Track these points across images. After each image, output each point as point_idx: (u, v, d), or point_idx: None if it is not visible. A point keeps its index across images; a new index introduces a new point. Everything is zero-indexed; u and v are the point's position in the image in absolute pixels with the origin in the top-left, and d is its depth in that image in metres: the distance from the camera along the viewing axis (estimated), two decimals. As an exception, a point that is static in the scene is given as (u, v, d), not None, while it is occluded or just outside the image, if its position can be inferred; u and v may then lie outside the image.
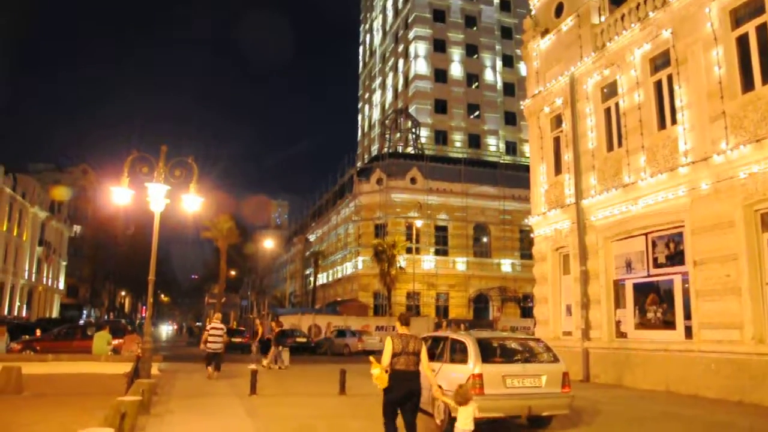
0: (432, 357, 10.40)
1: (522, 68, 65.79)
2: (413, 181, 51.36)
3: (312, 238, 70.46)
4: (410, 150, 60.29)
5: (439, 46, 70.53)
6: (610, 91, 18.48)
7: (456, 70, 70.47)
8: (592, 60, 18.68)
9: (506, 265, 53.09)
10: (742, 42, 14.00)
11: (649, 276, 16.49)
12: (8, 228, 54.70)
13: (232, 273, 74.97)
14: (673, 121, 15.68)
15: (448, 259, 51.98)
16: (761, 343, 12.72)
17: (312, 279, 62.04)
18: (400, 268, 45.24)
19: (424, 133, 65.88)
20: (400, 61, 74.48)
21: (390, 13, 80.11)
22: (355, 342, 34.57)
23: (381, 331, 37.86)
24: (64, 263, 76.49)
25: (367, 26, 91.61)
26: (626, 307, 17.21)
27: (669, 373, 14.78)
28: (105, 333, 18.86)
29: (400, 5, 76.04)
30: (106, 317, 76.04)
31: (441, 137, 68.73)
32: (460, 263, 52.22)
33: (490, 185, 52.82)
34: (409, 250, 46.77)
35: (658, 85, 16.49)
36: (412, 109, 66.66)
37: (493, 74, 71.70)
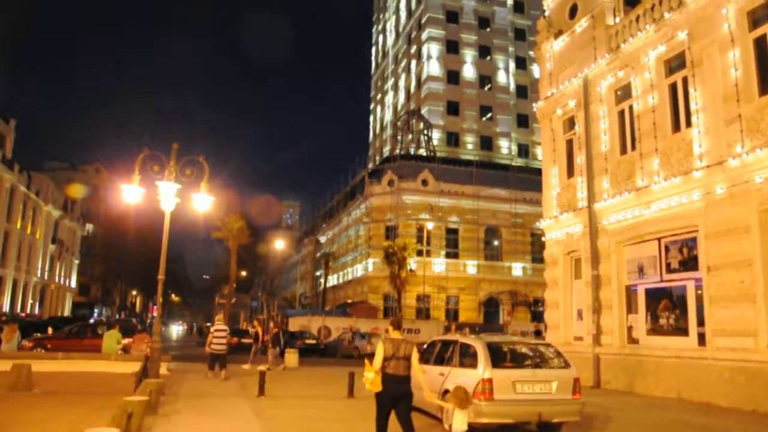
0: (441, 361, 10.32)
1: (535, 70, 65.55)
2: (425, 183, 51.23)
3: (323, 239, 70.49)
4: (422, 152, 60.20)
5: (452, 47, 70.40)
6: (624, 93, 18.30)
7: (469, 72, 70.31)
8: (606, 62, 18.51)
9: (517, 268, 52.83)
10: (760, 44, 13.79)
11: (661, 281, 16.29)
12: (22, 226, 55.17)
13: (243, 273, 75.20)
14: (688, 124, 15.49)
15: (458, 262, 51.79)
16: (776, 351, 12.53)
17: (322, 280, 62.05)
18: (411, 270, 45.11)
19: (436, 134, 65.76)
20: (413, 63, 74.41)
21: (403, 14, 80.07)
22: (364, 344, 34.45)
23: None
24: (77, 262, 77.01)
25: (380, 27, 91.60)
26: (638, 313, 17.01)
27: (681, 380, 14.58)
28: (115, 332, 18.92)
29: (413, 6, 75.99)
30: (117, 316, 76.49)
31: (453, 139, 68.58)
32: (471, 266, 52.03)
33: (502, 188, 52.59)
34: (419, 253, 46.62)
35: (673, 87, 16.30)
36: (424, 111, 66.55)
37: (505, 76, 71.50)
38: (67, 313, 68.71)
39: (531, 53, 63.49)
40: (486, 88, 70.77)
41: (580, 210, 19.29)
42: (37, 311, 60.08)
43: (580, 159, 19.64)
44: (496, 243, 53.56)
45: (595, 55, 19.13)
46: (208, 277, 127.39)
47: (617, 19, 18.70)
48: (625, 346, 17.05)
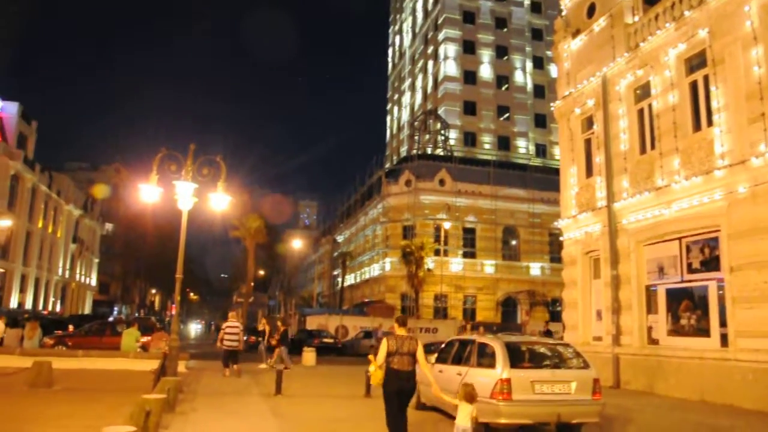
0: (459, 361, 10.26)
1: (552, 70, 65.12)
2: (442, 182, 51.10)
3: (340, 238, 70.59)
4: (439, 152, 60.05)
5: (469, 47, 70.14)
6: (643, 92, 18.10)
7: (486, 72, 70.02)
8: (625, 60, 18.32)
9: (535, 268, 52.54)
10: (783, 41, 13.58)
11: (682, 281, 16.08)
12: (44, 225, 55.82)
13: (261, 272, 75.39)
14: (709, 123, 15.28)
15: (476, 261, 51.61)
16: (800, 353, 12.31)
17: (340, 280, 62.14)
18: (428, 270, 45.03)
19: (453, 134, 65.57)
20: (430, 63, 74.26)
21: (420, 15, 79.94)
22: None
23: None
24: (96, 260, 77.82)
25: (397, 28, 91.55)
26: (658, 313, 16.81)
27: (703, 382, 14.37)
28: (134, 330, 19.05)
29: (429, 7, 75.83)
30: (136, 314, 77.12)
31: (470, 139, 68.35)
32: (489, 266, 51.83)
33: (520, 188, 52.33)
34: (437, 252, 46.52)
35: (694, 86, 16.09)
36: (441, 111, 66.39)
37: (523, 76, 71.11)
38: (87, 311, 69.44)
39: (548, 53, 63.32)
40: (503, 88, 70.43)
41: (599, 209, 19.12)
42: (58, 309, 60.77)
43: (598, 158, 19.47)
44: (513, 243, 53.31)
45: (613, 53, 18.94)
46: (226, 276, 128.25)
47: (636, 18, 18.49)
48: (645, 346, 16.86)
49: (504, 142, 69.10)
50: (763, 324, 13.05)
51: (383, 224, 53.40)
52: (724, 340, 14.35)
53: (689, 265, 15.92)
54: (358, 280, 62.20)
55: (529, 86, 71.03)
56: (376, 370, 7.74)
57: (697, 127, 15.86)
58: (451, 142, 63.11)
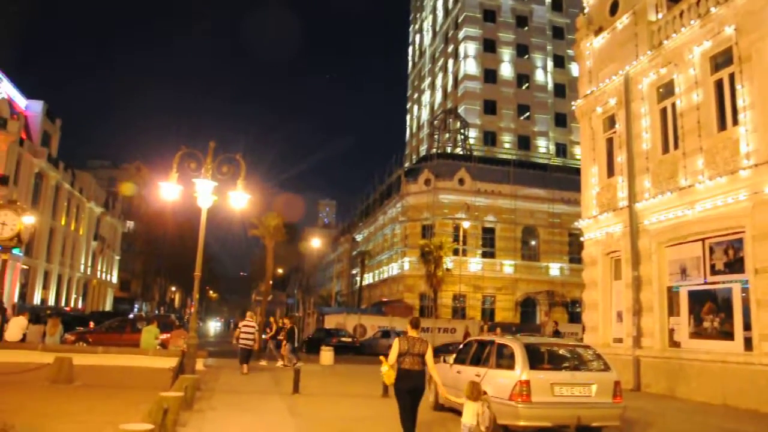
0: (477, 362, 10.17)
1: (573, 69, 64.58)
2: (461, 182, 50.88)
3: (359, 237, 70.61)
4: (459, 151, 59.81)
5: (489, 46, 69.78)
6: (666, 90, 17.83)
7: (506, 71, 69.62)
8: (648, 59, 18.06)
9: (554, 269, 52.12)
10: (812, 39, 13.29)
11: (705, 283, 15.82)
12: (66, 222, 56.54)
13: (279, 271, 75.67)
14: (735, 122, 15.00)
15: (495, 261, 51.32)
16: (828, 357, 12.03)
17: (358, 279, 62.13)
18: (447, 269, 44.85)
19: (473, 133, 65.28)
20: (450, 62, 74.00)
21: (440, 14, 79.72)
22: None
23: (426, 333, 37.59)
24: (118, 258, 78.64)
25: (417, 26, 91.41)
26: (680, 315, 16.55)
27: (726, 385, 14.11)
28: (153, 327, 19.16)
29: (450, 5, 75.56)
30: (156, 312, 77.82)
31: (490, 138, 68.01)
32: (508, 266, 51.52)
33: (540, 187, 51.90)
34: (456, 252, 46.31)
35: (719, 84, 15.81)
36: (461, 110, 66.14)
37: (543, 75, 70.60)
38: (108, 308, 70.17)
39: (569, 51, 62.64)
40: (523, 87, 69.99)
41: (621, 210, 18.87)
42: (80, 306, 61.51)
43: (620, 158, 19.22)
44: (533, 243, 52.93)
45: (636, 52, 18.68)
46: (245, 274, 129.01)
47: (660, 15, 18.22)
48: (667, 349, 16.61)
49: (524, 142, 68.66)
50: (789, 327, 12.80)
51: (402, 223, 53.31)
52: (748, 343, 14.08)
53: (712, 266, 15.66)
54: (376, 279, 62.18)
55: (550, 85, 70.50)
56: (388, 369, 8.01)
57: (722, 126, 15.58)
58: (471, 141, 62.83)
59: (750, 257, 14.12)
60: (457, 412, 10.42)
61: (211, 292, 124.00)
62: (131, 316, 40.26)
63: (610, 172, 20.14)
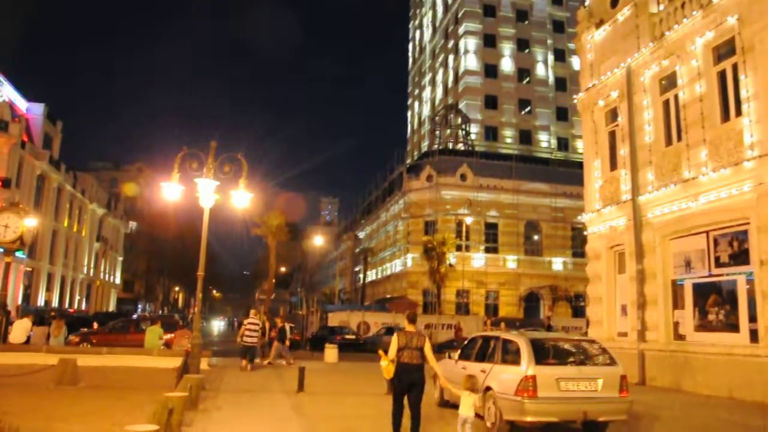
0: (483, 358, 10.12)
1: (574, 62, 64.43)
2: (463, 177, 50.81)
3: (361, 235, 70.57)
4: (460, 146, 59.70)
5: (490, 41, 69.62)
6: (669, 82, 17.75)
7: (506, 66, 69.49)
8: (650, 50, 17.97)
9: (558, 263, 52.07)
10: (815, 28, 13.19)
11: (710, 276, 15.76)
12: (69, 224, 56.60)
13: (282, 269, 75.81)
14: (738, 113, 14.93)
15: (498, 256, 51.26)
16: (835, 348, 11.97)
17: (361, 276, 62.11)
18: (450, 265, 44.81)
19: (474, 129, 65.20)
20: (450, 57, 73.85)
21: (440, 9, 79.57)
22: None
23: (430, 329, 37.56)
24: (120, 258, 78.69)
25: (417, 22, 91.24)
26: (685, 308, 16.50)
27: (732, 378, 14.06)
28: (157, 327, 19.12)
29: (449, 1, 75.39)
30: (160, 312, 77.90)
31: (491, 133, 67.89)
32: (511, 261, 51.46)
33: (542, 182, 51.83)
34: (458, 248, 46.26)
35: (722, 75, 15.74)
36: (462, 105, 66.03)
37: (544, 69, 70.45)
38: (112, 308, 70.25)
39: (570, 45, 62.50)
40: (524, 82, 69.86)
41: (624, 203, 18.81)
42: (83, 307, 61.59)
43: (623, 151, 19.15)
44: (536, 237, 52.86)
45: (638, 44, 18.60)
46: (248, 273, 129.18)
47: (661, 7, 18.14)
48: (672, 342, 16.56)
49: (525, 136, 68.56)
50: (796, 319, 12.73)
51: (405, 220, 53.25)
52: (753, 335, 14.04)
53: (717, 258, 15.60)
54: (379, 276, 62.16)
55: (551, 79, 70.36)
56: (388, 364, 8.24)
57: (725, 117, 15.51)
58: (472, 136, 62.75)
59: (755, 249, 14.06)
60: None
61: (214, 291, 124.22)
62: (135, 316, 40.28)
63: (613, 165, 20.07)
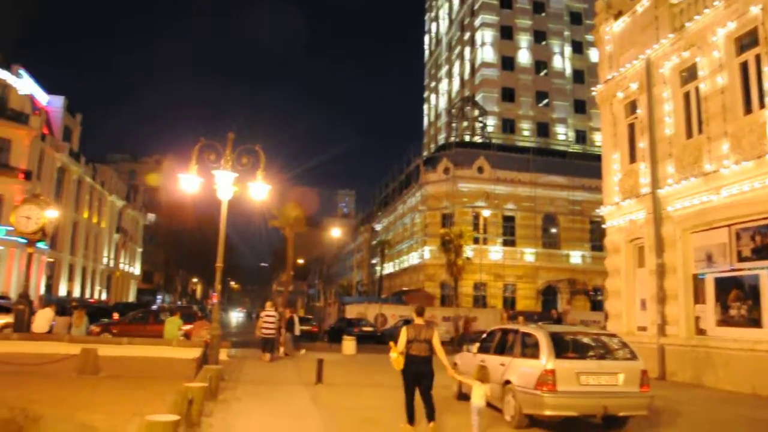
0: (502, 351, 10.10)
1: (592, 54, 63.84)
2: (480, 170, 50.61)
3: (378, 227, 70.58)
4: (477, 139, 59.42)
5: (506, 33, 69.09)
6: (689, 74, 17.52)
7: (524, 58, 68.97)
8: (670, 42, 17.74)
9: (576, 256, 51.77)
10: (841, 18, 12.94)
11: (732, 270, 15.58)
12: (89, 216, 57.23)
13: (300, 261, 76.00)
14: (761, 105, 14.70)
15: (515, 249, 51.07)
16: None
17: (378, 268, 62.17)
18: (467, 258, 44.68)
19: (491, 121, 64.85)
20: (467, 49, 73.41)
21: (456, 1, 79.08)
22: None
23: (447, 322, 37.54)
24: (140, 250, 79.49)
25: (433, 14, 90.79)
26: (706, 303, 16.34)
27: (755, 374, 13.89)
28: (176, 318, 19.32)
29: (466, -8, 74.92)
30: (179, 303, 78.55)
31: (508, 126, 67.47)
32: (528, 254, 51.25)
33: (560, 175, 51.50)
34: (476, 241, 46.07)
35: (744, 66, 15.49)
36: (478, 98, 65.66)
37: (561, 61, 69.82)
38: (131, 299, 71.00)
39: (588, 37, 61.97)
40: (542, 74, 69.29)
41: (644, 196, 18.63)
42: (104, 297, 62.30)
43: (642, 144, 18.95)
44: (553, 231, 52.57)
45: (657, 35, 18.36)
46: (266, 264, 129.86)
47: (683, -3, 17.87)
48: (693, 337, 16.41)
49: (543, 129, 68.06)
50: (819, 314, 12.56)
51: (421, 212, 53.18)
52: (776, 330, 13.87)
53: (739, 253, 15.41)
54: (396, 268, 62.18)
55: (568, 71, 69.74)
56: (398, 356, 8.44)
57: (747, 109, 15.28)
58: (489, 129, 62.42)
59: (778, 243, 13.87)
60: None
61: (232, 283, 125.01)
62: (154, 307, 40.65)
63: (632, 158, 19.88)
